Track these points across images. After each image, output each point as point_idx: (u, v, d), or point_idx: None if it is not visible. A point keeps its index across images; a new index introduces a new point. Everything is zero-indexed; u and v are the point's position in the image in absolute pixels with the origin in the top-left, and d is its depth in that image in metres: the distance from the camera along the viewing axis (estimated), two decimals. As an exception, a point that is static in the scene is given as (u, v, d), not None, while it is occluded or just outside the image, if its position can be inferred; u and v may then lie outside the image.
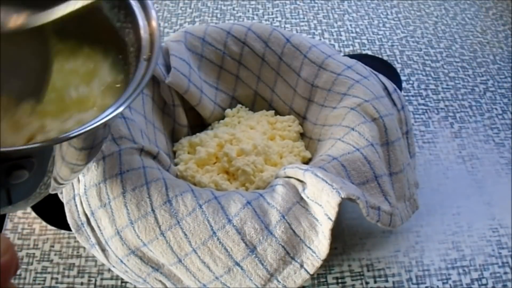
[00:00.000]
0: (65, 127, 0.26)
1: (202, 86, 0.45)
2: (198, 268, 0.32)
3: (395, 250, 0.41)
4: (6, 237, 0.19)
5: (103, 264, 0.39)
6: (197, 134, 0.44)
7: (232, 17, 0.66)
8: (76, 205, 0.34)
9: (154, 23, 0.29)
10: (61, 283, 0.39)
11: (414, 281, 0.39)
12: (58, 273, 0.39)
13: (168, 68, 0.43)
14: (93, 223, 0.33)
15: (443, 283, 0.40)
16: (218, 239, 0.32)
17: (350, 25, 0.65)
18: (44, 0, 0.27)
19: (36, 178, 0.24)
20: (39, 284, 0.39)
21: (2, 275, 0.18)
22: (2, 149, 0.20)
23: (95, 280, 0.39)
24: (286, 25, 0.65)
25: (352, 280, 0.39)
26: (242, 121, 0.46)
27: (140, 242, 0.32)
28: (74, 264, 0.40)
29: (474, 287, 0.39)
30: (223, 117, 0.47)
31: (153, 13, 0.29)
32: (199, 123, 0.46)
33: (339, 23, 0.65)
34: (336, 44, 0.62)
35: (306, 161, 0.42)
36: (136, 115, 0.39)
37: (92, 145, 0.26)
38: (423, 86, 0.57)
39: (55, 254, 0.40)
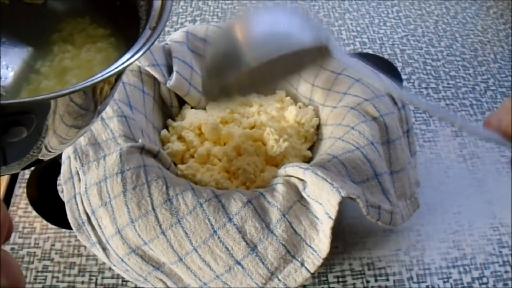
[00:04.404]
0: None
1: (203, 88, 0.45)
2: (198, 267, 0.32)
3: (396, 249, 0.41)
4: None
5: (104, 263, 0.39)
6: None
7: (233, 16, 0.66)
8: (77, 204, 0.34)
9: None
10: (62, 281, 0.39)
11: (415, 279, 0.39)
12: (59, 272, 0.39)
13: (169, 68, 0.43)
14: (93, 222, 0.33)
15: (444, 282, 0.40)
16: (218, 237, 0.32)
17: (351, 24, 0.65)
18: None
19: (32, 138, 0.23)
20: (40, 283, 0.39)
21: None
22: (1, 102, 0.19)
23: (96, 279, 0.39)
24: (287, 24, 0.65)
25: (353, 279, 0.39)
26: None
27: (140, 241, 0.32)
28: (75, 263, 0.40)
29: (475, 286, 0.39)
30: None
31: None
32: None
33: (340, 22, 0.65)
34: (337, 43, 0.62)
35: (307, 160, 0.42)
36: (137, 114, 0.39)
37: (88, 107, 0.25)
38: (423, 85, 0.57)
39: (56, 253, 0.40)
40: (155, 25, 0.26)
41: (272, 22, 0.32)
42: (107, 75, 0.22)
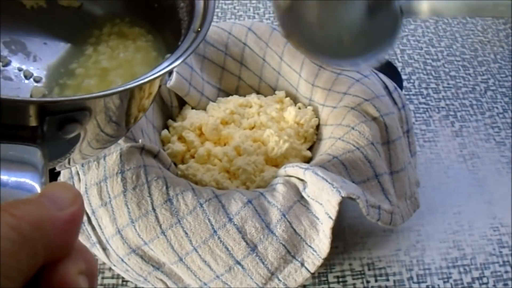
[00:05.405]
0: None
1: (203, 88, 0.45)
2: (198, 267, 0.32)
3: (396, 249, 0.41)
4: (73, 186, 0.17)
5: (104, 263, 0.39)
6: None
7: (233, 16, 0.66)
8: (77, 204, 0.34)
9: None
10: (62, 282, 0.39)
11: (415, 280, 0.39)
12: (59, 272, 0.39)
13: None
14: (94, 222, 0.33)
15: (444, 282, 0.40)
16: (218, 238, 0.32)
17: (351, 24, 0.65)
18: None
19: (75, 138, 0.22)
20: (40, 283, 0.39)
21: (72, 227, 0.16)
22: (63, 98, 0.19)
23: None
24: (287, 24, 0.65)
25: (353, 279, 0.39)
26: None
27: (141, 241, 0.32)
28: (75, 263, 0.40)
29: (475, 286, 0.39)
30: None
31: None
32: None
33: (340, 22, 0.65)
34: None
35: (307, 160, 0.42)
36: (137, 114, 0.39)
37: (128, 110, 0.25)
38: (424, 85, 0.57)
39: (56, 253, 0.40)
40: (199, 29, 0.26)
41: None
42: (157, 74, 0.22)
